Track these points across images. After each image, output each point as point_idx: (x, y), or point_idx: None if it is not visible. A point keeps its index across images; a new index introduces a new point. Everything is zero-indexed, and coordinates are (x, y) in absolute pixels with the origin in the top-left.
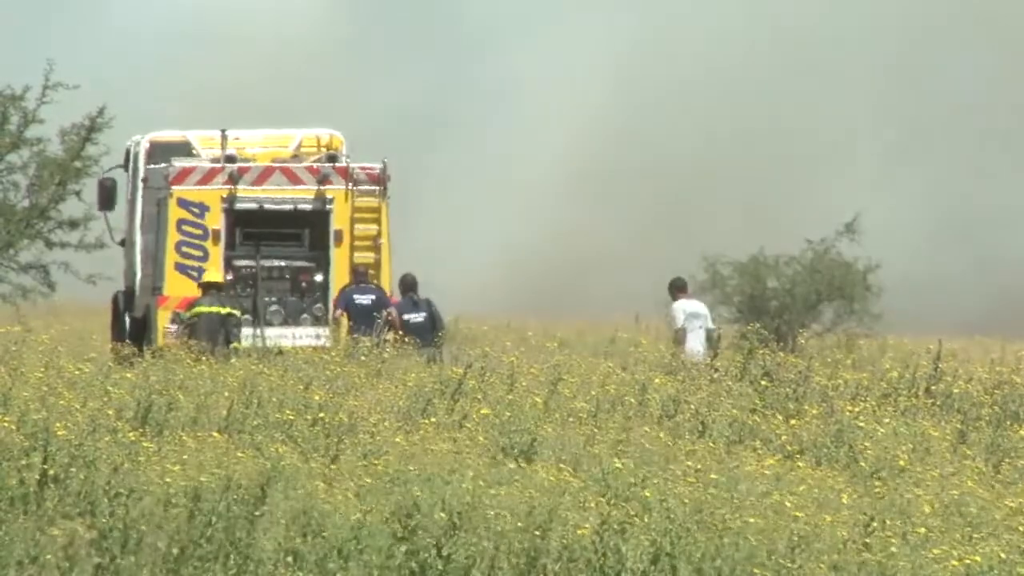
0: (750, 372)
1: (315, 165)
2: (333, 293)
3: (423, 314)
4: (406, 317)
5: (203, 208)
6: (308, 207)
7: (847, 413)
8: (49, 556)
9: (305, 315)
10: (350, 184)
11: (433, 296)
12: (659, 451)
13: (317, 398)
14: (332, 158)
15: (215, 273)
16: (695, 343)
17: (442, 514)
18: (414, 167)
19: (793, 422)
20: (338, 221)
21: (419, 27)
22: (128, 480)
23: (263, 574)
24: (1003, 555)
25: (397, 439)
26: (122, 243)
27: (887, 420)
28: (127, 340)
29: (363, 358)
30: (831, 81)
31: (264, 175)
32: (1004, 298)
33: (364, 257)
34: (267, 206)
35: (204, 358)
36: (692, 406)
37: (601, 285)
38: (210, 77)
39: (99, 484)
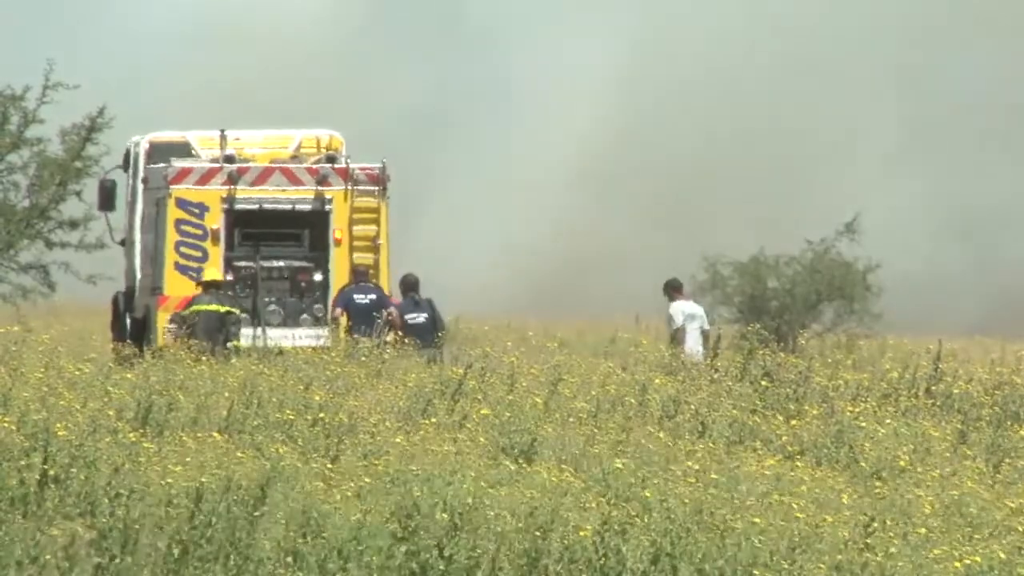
0: (750, 372)
1: (314, 166)
2: (332, 293)
3: (424, 314)
4: (407, 317)
5: (202, 208)
6: (307, 207)
7: (847, 413)
8: (49, 556)
9: (304, 315)
10: (349, 184)
11: (434, 296)
12: (659, 451)
13: (317, 398)
14: (331, 159)
15: (214, 271)
16: (693, 343)
17: (443, 515)
18: (415, 167)
19: (793, 422)
20: (337, 221)
21: (419, 27)
22: (128, 480)
23: (263, 574)
24: (1003, 555)
25: (397, 439)
26: (122, 243)
27: (887, 420)
28: (127, 340)
29: (363, 358)
30: (831, 81)
31: (263, 175)
32: (1004, 298)
33: (363, 257)
34: (266, 206)
35: (204, 358)
36: (692, 406)
37: (601, 285)
38: (210, 77)
39: (99, 484)
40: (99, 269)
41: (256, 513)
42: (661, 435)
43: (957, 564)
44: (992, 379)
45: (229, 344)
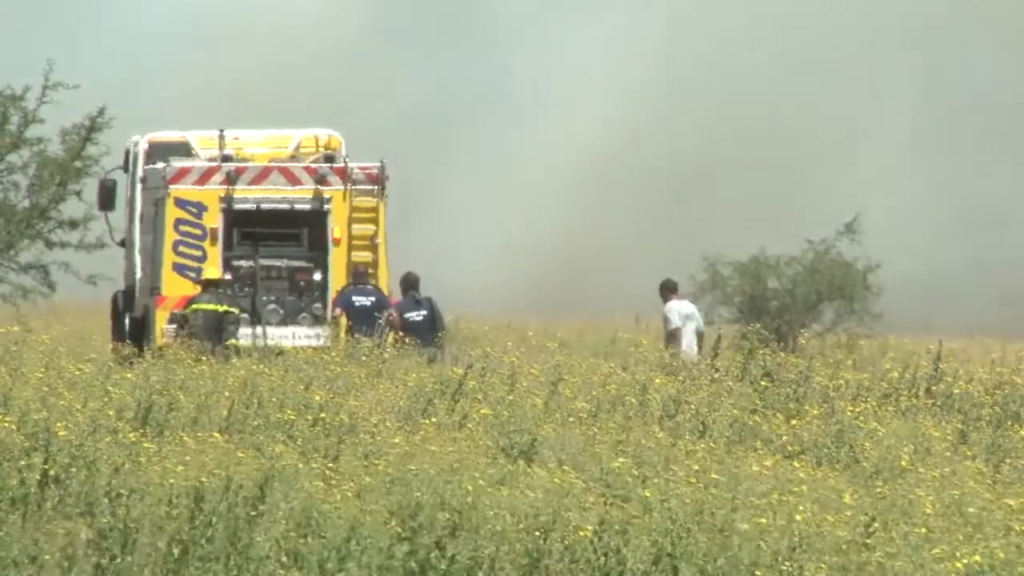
0: (751, 372)
1: (313, 165)
2: (331, 293)
3: (424, 312)
4: (408, 316)
5: (200, 208)
6: (306, 207)
7: (848, 413)
8: (49, 556)
9: (304, 315)
10: (348, 184)
11: (434, 296)
12: (660, 451)
13: (318, 398)
14: (329, 158)
15: (214, 270)
16: (688, 344)
17: (444, 515)
18: (415, 167)
19: (794, 422)
20: (336, 221)
21: (419, 27)
22: (129, 480)
23: (263, 574)
24: (1003, 555)
25: (397, 439)
26: (122, 243)
27: (888, 420)
28: (127, 340)
29: (364, 359)
30: (831, 81)
31: (262, 175)
32: (1005, 298)
33: (362, 257)
34: (265, 206)
35: (204, 358)
36: (692, 406)
37: (601, 285)
38: (210, 77)
39: (100, 484)
40: (99, 269)
41: (256, 513)
42: (661, 435)
43: (957, 564)
44: (992, 379)
45: (227, 343)
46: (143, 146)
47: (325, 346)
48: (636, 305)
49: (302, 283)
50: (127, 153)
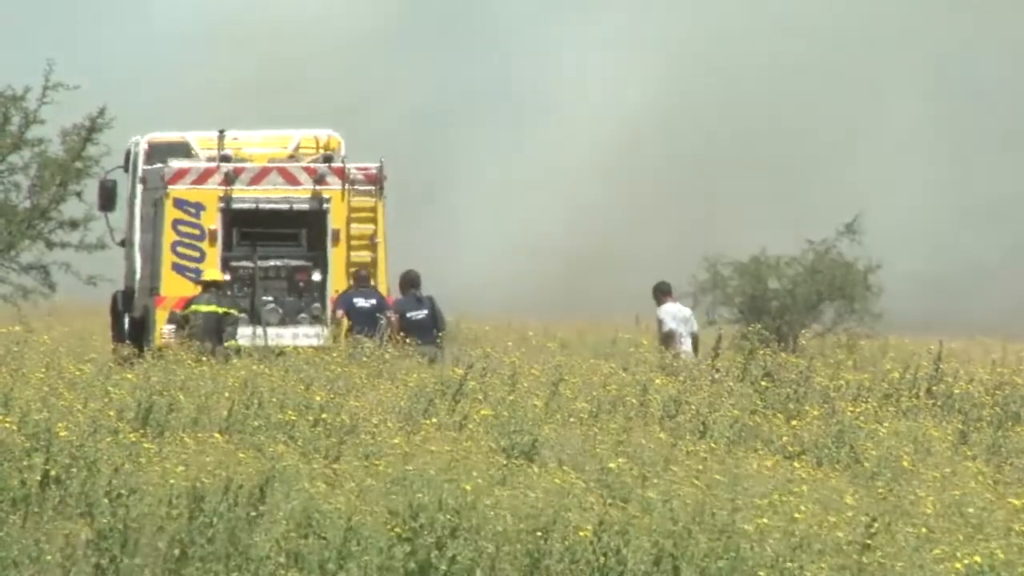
0: (751, 373)
1: (311, 165)
2: (330, 292)
3: (426, 311)
4: (409, 314)
5: (199, 208)
6: (304, 207)
7: (848, 414)
8: (49, 557)
9: (303, 314)
10: (346, 184)
11: (434, 295)
12: (660, 452)
13: (318, 399)
14: (328, 158)
15: (215, 272)
16: (684, 346)
17: (444, 515)
18: (415, 167)
19: (794, 423)
20: (335, 221)
21: (420, 27)
22: (129, 481)
23: (263, 574)
24: (1003, 555)
25: (398, 440)
26: (122, 244)
27: (888, 421)
28: (127, 340)
29: (364, 359)
30: (831, 81)
31: (260, 175)
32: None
33: (360, 256)
34: (263, 206)
35: (205, 359)
36: (693, 407)
37: (601, 285)
38: (210, 77)
39: (100, 485)
40: (99, 270)
41: (256, 514)
42: (662, 436)
43: (957, 564)
44: (993, 379)
45: (227, 344)
46: (143, 146)
47: (324, 346)
48: (636, 305)
49: (301, 283)
50: (127, 153)
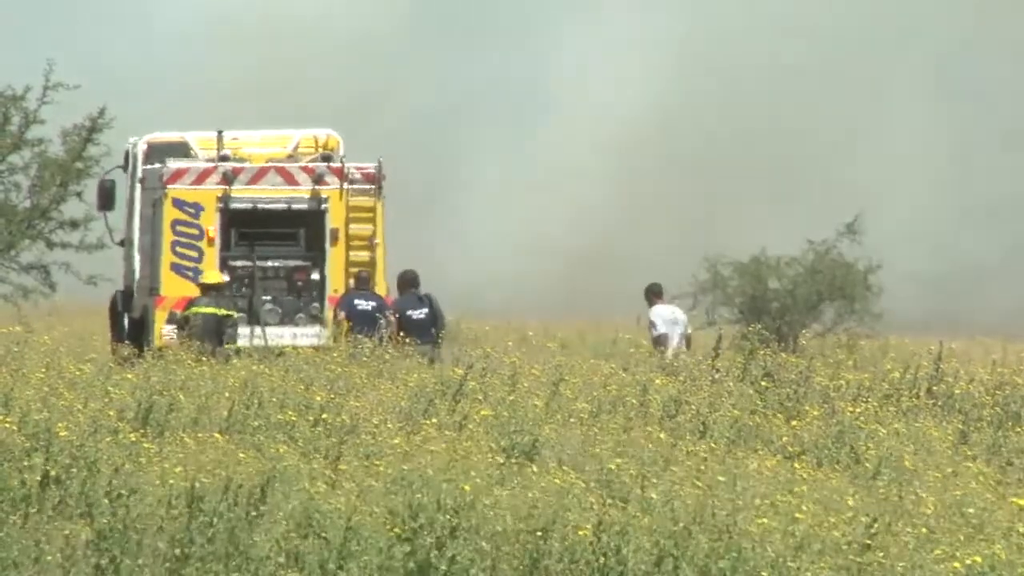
0: (751, 373)
1: (310, 165)
2: (329, 292)
3: (426, 310)
4: (409, 313)
5: (198, 208)
6: (303, 207)
7: (848, 414)
8: (49, 557)
9: (301, 314)
10: (345, 184)
11: (433, 295)
12: (660, 452)
13: (318, 399)
14: (327, 158)
15: (215, 274)
16: (675, 348)
17: (444, 515)
18: (415, 167)
19: (794, 423)
20: (334, 220)
21: (420, 27)
22: (129, 481)
23: (263, 574)
24: (1004, 556)
25: (398, 440)
26: (121, 244)
27: (889, 421)
28: (126, 340)
29: (364, 359)
30: (831, 81)
31: (259, 175)
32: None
33: (359, 256)
34: (262, 206)
35: (204, 359)
36: (693, 407)
37: (601, 285)
38: (210, 77)
39: (100, 485)
40: (99, 270)
41: (256, 514)
42: (662, 436)
43: (958, 565)
44: (993, 379)
45: (227, 346)
46: (142, 147)
47: (324, 346)
48: (637, 305)
49: (300, 283)
50: (126, 154)
